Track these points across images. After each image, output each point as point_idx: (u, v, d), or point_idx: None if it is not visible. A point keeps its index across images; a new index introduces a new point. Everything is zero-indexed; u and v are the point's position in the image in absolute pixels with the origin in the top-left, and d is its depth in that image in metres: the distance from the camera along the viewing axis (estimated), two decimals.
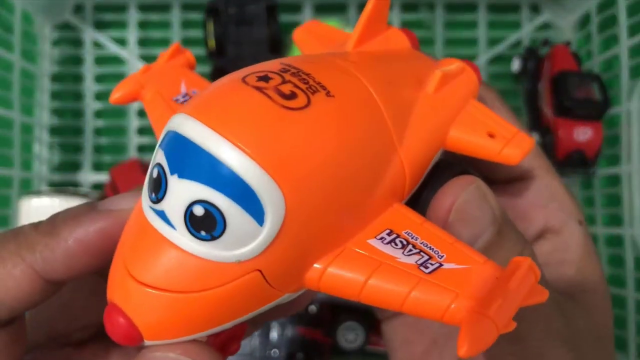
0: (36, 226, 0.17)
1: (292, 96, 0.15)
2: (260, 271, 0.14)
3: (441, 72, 0.19)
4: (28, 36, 0.48)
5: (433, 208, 0.19)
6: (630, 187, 0.42)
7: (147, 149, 0.50)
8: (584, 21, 0.49)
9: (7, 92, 0.45)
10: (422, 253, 0.15)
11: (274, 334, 0.43)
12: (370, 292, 0.15)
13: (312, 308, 0.44)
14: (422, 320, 0.23)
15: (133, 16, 0.51)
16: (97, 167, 0.50)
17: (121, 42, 0.51)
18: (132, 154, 0.50)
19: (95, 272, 0.18)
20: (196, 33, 0.50)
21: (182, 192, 0.14)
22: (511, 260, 0.14)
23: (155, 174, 0.14)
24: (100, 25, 0.51)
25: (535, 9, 0.51)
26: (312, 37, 0.23)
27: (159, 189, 0.14)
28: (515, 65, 0.49)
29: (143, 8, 0.51)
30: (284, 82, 0.15)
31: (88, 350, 0.20)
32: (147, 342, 0.15)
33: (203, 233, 0.14)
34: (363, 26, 0.19)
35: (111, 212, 0.17)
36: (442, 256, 0.15)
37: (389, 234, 0.16)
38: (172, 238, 0.14)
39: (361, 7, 0.50)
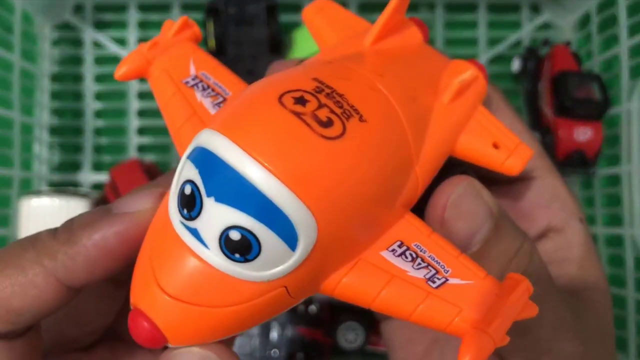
0: (54, 233, 0.17)
1: (328, 123, 0.15)
2: (285, 287, 0.15)
3: (458, 84, 0.19)
4: (28, 36, 0.48)
5: (429, 208, 0.19)
6: (630, 187, 0.42)
7: (147, 149, 0.50)
8: (584, 21, 0.49)
9: (7, 92, 0.45)
10: (429, 267, 0.16)
11: (274, 334, 0.43)
12: (382, 303, 0.16)
13: (312, 308, 0.44)
14: None
15: (133, 16, 0.51)
16: (97, 167, 0.50)
17: (121, 42, 0.51)
18: (132, 154, 0.50)
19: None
20: None
21: (220, 216, 0.14)
22: (508, 275, 0.15)
23: (188, 191, 0.15)
24: (100, 25, 0.51)
25: (535, 9, 0.51)
26: (323, 19, 0.23)
27: (192, 207, 0.15)
28: (515, 65, 0.49)
29: (143, 8, 0.51)
30: (320, 106, 0.15)
31: (96, 354, 0.20)
32: (170, 346, 0.15)
33: (237, 255, 0.14)
34: (383, 24, 0.19)
35: (127, 215, 0.17)
36: (447, 271, 0.16)
37: (399, 246, 0.17)
38: (204, 256, 0.14)
39: (361, 7, 0.50)
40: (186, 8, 0.51)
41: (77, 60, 0.51)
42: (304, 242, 0.14)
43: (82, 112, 0.51)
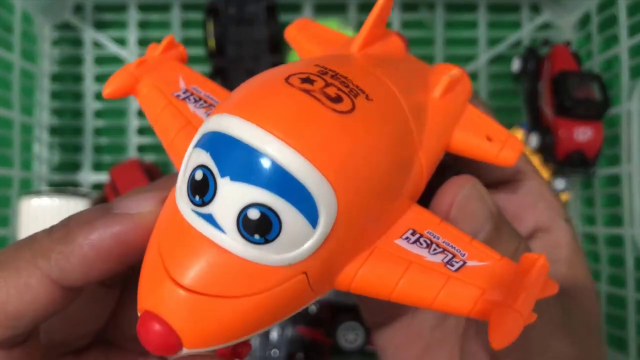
0: (50, 232, 0.16)
1: (338, 99, 0.15)
2: (305, 273, 0.14)
3: (449, 78, 0.20)
4: (28, 36, 0.48)
5: (434, 205, 0.19)
6: (630, 187, 0.42)
7: (147, 149, 0.50)
8: (584, 21, 0.49)
9: (7, 92, 0.45)
10: (446, 252, 0.16)
11: (274, 334, 0.43)
12: (402, 292, 0.15)
13: (312, 308, 0.44)
14: (414, 327, 0.24)
15: (133, 16, 0.51)
16: (97, 167, 0.50)
17: (121, 42, 0.51)
18: (132, 154, 0.50)
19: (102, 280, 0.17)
20: (196, 33, 0.50)
21: (237, 195, 0.13)
22: (523, 256, 0.15)
23: (199, 176, 0.14)
24: (100, 25, 0.51)
25: (535, 9, 0.51)
26: (306, 36, 0.23)
27: (205, 191, 0.14)
28: (515, 65, 0.49)
29: (143, 8, 0.51)
30: (327, 84, 0.15)
31: (88, 359, 0.20)
32: (185, 351, 0.14)
33: (257, 237, 0.14)
34: (369, 29, 0.19)
35: (127, 216, 0.16)
36: (464, 254, 0.16)
37: (412, 234, 0.16)
38: (221, 242, 0.14)
39: (361, 7, 0.50)
40: (186, 8, 0.51)
41: (77, 60, 0.51)
42: (325, 218, 0.14)
43: (82, 112, 0.51)
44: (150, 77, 0.20)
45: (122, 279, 0.21)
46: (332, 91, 0.15)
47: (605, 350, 0.23)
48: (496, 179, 0.23)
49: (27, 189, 0.47)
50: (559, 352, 0.20)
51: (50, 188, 0.49)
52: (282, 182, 0.13)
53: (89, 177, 0.50)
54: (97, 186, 0.50)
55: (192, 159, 0.15)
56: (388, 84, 0.17)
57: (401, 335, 0.24)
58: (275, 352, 0.43)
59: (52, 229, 0.17)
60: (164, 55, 0.21)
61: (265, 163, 0.13)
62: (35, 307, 0.16)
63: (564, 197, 0.48)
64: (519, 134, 0.48)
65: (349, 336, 0.44)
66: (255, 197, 0.13)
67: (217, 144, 0.14)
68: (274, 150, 0.13)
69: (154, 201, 0.16)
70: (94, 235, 0.16)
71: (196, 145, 0.15)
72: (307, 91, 0.15)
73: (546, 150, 0.45)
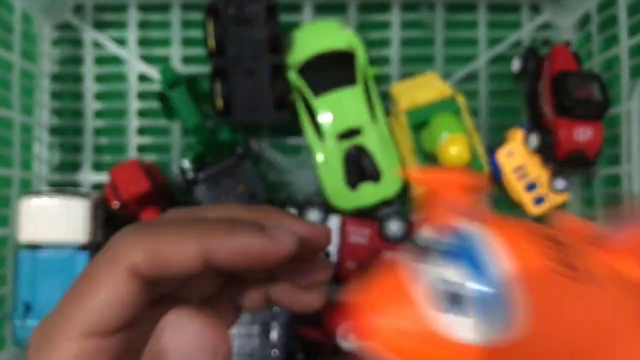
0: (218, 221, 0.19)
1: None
2: None
3: None
4: (28, 36, 0.48)
5: None
6: (630, 187, 0.42)
7: (147, 149, 0.51)
8: (584, 21, 0.49)
9: (7, 92, 0.45)
10: None
11: (274, 334, 0.43)
12: None
13: None
14: None
15: (133, 16, 0.51)
16: (97, 167, 0.50)
17: (121, 42, 0.51)
18: (132, 154, 0.50)
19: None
20: (196, 33, 0.50)
21: None
22: None
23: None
24: (100, 25, 0.51)
25: (535, 9, 0.51)
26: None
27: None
28: (516, 65, 0.49)
29: (143, 8, 0.51)
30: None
31: (157, 308, 0.20)
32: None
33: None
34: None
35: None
36: None
37: None
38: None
39: (361, 7, 0.50)
40: (186, 8, 0.51)
41: (77, 60, 0.51)
42: None
43: (82, 112, 0.51)
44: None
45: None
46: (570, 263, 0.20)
47: None
48: None
49: (27, 189, 0.47)
50: None
51: (50, 188, 0.49)
52: None
53: (89, 177, 0.50)
54: (97, 186, 0.50)
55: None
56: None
57: None
58: (275, 352, 0.43)
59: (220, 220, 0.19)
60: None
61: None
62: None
63: (564, 197, 0.48)
64: (519, 134, 0.48)
65: None
66: None
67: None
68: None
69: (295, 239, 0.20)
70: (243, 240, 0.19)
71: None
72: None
73: (546, 150, 0.45)
